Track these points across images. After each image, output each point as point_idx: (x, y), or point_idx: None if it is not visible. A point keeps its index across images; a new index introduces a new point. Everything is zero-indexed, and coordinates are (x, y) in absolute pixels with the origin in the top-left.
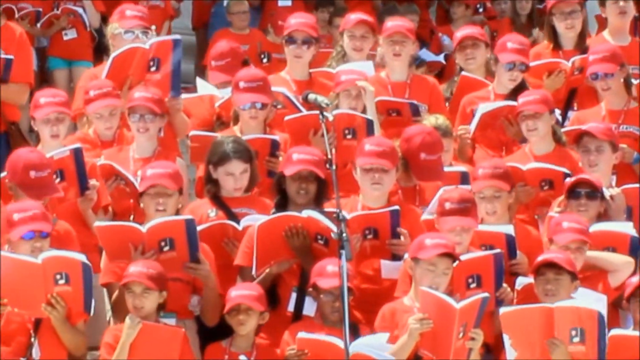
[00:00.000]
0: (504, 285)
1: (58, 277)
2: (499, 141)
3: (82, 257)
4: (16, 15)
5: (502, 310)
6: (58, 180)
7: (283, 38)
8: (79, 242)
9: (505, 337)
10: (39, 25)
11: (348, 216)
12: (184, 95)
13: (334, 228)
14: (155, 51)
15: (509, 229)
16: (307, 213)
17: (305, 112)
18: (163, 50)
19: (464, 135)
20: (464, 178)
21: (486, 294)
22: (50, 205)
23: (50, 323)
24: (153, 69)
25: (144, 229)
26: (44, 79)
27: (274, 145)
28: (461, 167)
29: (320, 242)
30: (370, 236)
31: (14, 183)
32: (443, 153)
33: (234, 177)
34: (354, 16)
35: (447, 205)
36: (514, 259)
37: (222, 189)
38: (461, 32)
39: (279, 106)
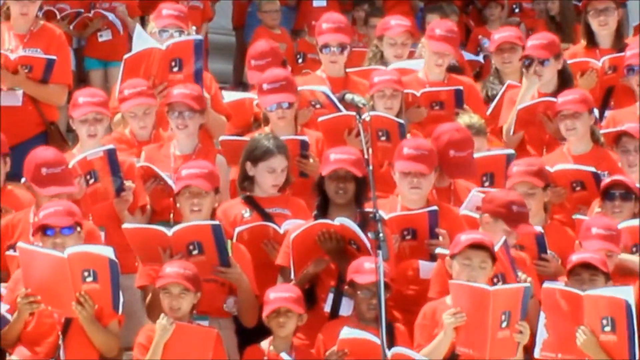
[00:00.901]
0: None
1: (86, 274)
2: (540, 140)
3: (108, 253)
4: (58, 16)
5: (545, 284)
6: (92, 181)
7: (317, 44)
8: (115, 242)
9: (542, 315)
10: (71, 27)
11: (386, 217)
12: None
13: (364, 238)
14: (177, 51)
15: (538, 228)
16: (339, 220)
17: (341, 112)
18: (184, 50)
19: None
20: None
21: (527, 284)
22: (84, 205)
23: (79, 324)
24: (175, 69)
25: (169, 232)
26: (81, 79)
27: (304, 146)
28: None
29: (353, 246)
30: (408, 237)
31: (28, 180)
32: (475, 151)
33: (274, 173)
34: (394, 22)
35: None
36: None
37: (256, 187)
38: (499, 35)
39: (318, 106)
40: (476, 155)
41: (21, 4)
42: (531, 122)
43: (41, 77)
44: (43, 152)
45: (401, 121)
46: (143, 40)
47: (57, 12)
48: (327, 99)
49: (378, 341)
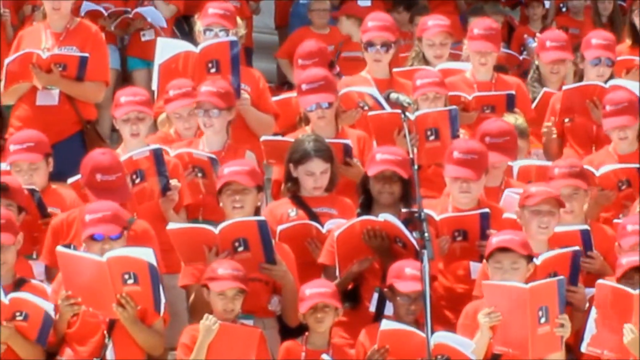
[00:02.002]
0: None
1: (126, 277)
2: (588, 138)
3: (148, 257)
4: (105, 14)
5: (599, 281)
6: (138, 180)
7: (362, 42)
8: (160, 241)
9: (593, 310)
10: (113, 26)
11: (437, 218)
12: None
13: (408, 235)
14: (213, 53)
15: (584, 226)
16: (383, 217)
17: (387, 109)
18: (220, 51)
19: (549, 132)
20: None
21: (561, 277)
22: (130, 205)
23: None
24: (213, 70)
25: (216, 230)
26: (125, 78)
27: (347, 150)
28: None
29: (399, 244)
30: (459, 238)
31: (82, 184)
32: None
33: (314, 176)
34: (431, 22)
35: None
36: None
37: (302, 188)
38: (554, 55)
39: (366, 107)
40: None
41: (52, 2)
42: (577, 109)
43: (76, 75)
44: (100, 157)
45: (452, 108)
46: (170, 47)
47: (103, 11)
48: (375, 101)
49: (419, 332)
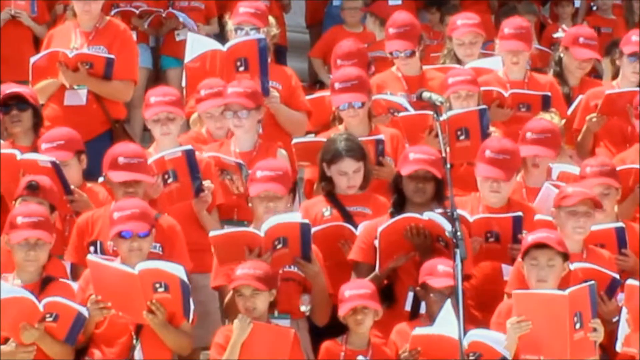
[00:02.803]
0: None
1: (157, 285)
2: (623, 136)
3: (179, 273)
4: (137, 12)
5: (629, 281)
6: (170, 180)
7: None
8: (191, 241)
9: (624, 310)
10: (146, 24)
11: (470, 218)
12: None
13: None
14: (241, 51)
15: (619, 224)
16: (427, 215)
17: (414, 111)
18: (248, 49)
19: (591, 121)
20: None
21: (592, 281)
22: (161, 204)
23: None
24: (241, 68)
25: (261, 232)
26: (158, 77)
27: (379, 148)
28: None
29: (441, 243)
30: (492, 239)
31: (105, 171)
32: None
33: (347, 176)
34: (460, 22)
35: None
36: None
37: (336, 187)
38: (586, 52)
39: (396, 113)
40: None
41: (83, 2)
42: (615, 111)
43: (103, 74)
44: (123, 145)
45: (482, 107)
46: (200, 44)
47: (134, 11)
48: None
49: (452, 335)
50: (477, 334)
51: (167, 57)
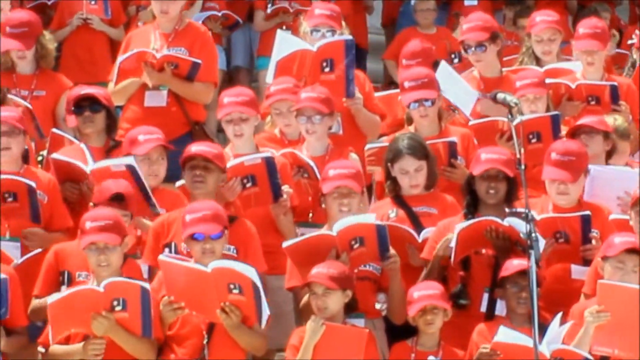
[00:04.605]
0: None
1: (232, 286)
2: None
3: (251, 275)
4: (219, 14)
5: (602, 281)
6: (249, 184)
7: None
8: (266, 243)
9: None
10: (219, 26)
11: (538, 217)
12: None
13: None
14: (328, 52)
15: None
16: (508, 222)
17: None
18: (335, 50)
19: None
20: None
21: None
22: (237, 208)
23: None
24: (327, 69)
25: (334, 233)
26: (229, 78)
27: (452, 150)
28: None
29: (519, 248)
30: (561, 240)
31: (180, 164)
32: (618, 155)
33: (408, 174)
34: (539, 18)
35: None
36: None
37: (401, 187)
38: None
39: (457, 111)
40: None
41: (161, 2)
42: None
43: (186, 75)
44: (202, 143)
45: (554, 113)
46: (289, 43)
47: (217, 14)
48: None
49: (534, 347)
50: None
51: (266, 58)
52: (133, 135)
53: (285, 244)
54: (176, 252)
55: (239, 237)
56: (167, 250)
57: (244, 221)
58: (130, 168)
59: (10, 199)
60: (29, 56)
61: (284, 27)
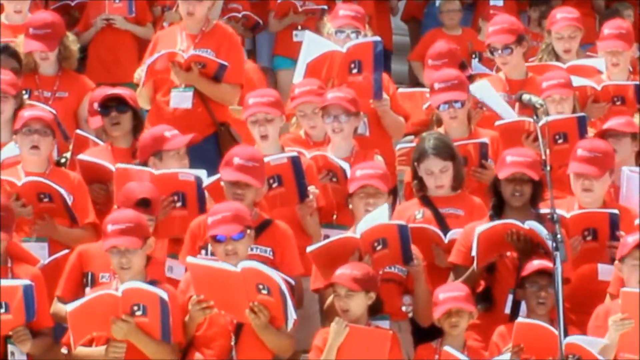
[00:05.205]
0: None
1: (260, 287)
2: None
3: (278, 279)
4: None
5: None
6: (275, 184)
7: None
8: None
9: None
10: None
11: (568, 215)
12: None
13: (550, 245)
14: (356, 53)
15: None
16: (529, 225)
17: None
18: (364, 52)
19: None
20: None
21: None
22: (263, 208)
23: (252, 327)
24: (355, 71)
25: (357, 235)
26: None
27: (483, 151)
28: None
29: (541, 251)
30: (589, 237)
31: (220, 170)
32: None
33: (433, 175)
34: (560, 15)
35: None
36: None
37: (427, 187)
38: None
39: (484, 108)
40: None
41: (187, 3)
42: None
43: (214, 76)
44: (243, 147)
45: (580, 115)
46: (318, 44)
47: (238, 15)
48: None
49: (553, 329)
50: (575, 338)
51: (281, 58)
52: (155, 133)
53: (309, 249)
54: (212, 254)
55: (275, 238)
56: (203, 252)
57: (279, 223)
58: (198, 179)
59: (46, 200)
60: (51, 57)
61: (299, 28)
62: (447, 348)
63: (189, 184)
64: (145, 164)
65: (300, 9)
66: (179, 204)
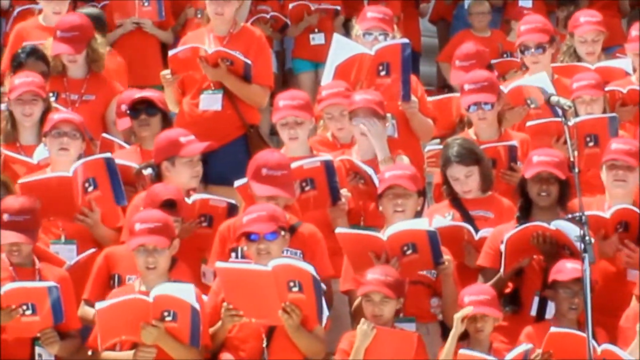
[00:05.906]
0: None
1: (291, 284)
2: None
3: (311, 269)
4: (267, 16)
5: None
6: (308, 188)
7: (517, 47)
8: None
9: None
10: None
11: (608, 215)
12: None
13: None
14: (384, 56)
15: None
16: (555, 225)
17: (550, 118)
18: (392, 54)
19: None
20: None
21: None
22: (295, 211)
23: (284, 328)
24: (383, 73)
25: (384, 236)
26: (284, 81)
27: (512, 154)
28: None
29: (567, 252)
30: (620, 230)
31: (249, 179)
32: None
33: (459, 181)
34: (583, 19)
35: None
36: None
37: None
38: None
39: (533, 105)
40: None
41: (216, 4)
42: None
43: (242, 75)
44: (268, 154)
45: (612, 115)
46: (345, 47)
47: (266, 16)
48: (545, 99)
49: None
50: (610, 347)
51: (301, 61)
52: (171, 137)
53: (337, 230)
54: (242, 257)
55: (304, 241)
56: (233, 255)
57: (309, 226)
58: (230, 205)
59: (91, 188)
60: (79, 60)
61: (316, 31)
62: (462, 351)
63: (220, 209)
64: (159, 166)
65: (312, 9)
66: (204, 224)
